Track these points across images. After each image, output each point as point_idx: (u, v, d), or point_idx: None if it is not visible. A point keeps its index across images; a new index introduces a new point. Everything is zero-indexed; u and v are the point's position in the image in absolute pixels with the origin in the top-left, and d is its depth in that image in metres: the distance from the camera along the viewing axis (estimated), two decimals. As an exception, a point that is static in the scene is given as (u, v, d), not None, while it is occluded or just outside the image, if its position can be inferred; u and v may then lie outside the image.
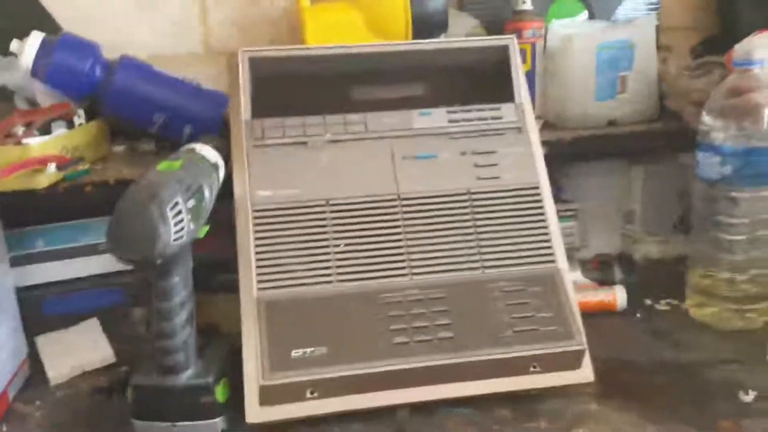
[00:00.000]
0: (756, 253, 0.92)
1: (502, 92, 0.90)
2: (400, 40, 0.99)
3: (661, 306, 1.02)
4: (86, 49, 1.00)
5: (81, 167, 0.93)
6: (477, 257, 0.82)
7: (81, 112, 0.99)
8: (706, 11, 1.28)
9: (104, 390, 0.86)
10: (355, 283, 0.79)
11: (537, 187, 0.86)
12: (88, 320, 0.96)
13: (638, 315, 1.00)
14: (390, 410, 0.77)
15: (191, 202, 0.71)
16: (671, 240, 1.18)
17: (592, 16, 1.15)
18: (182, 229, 0.69)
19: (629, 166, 1.20)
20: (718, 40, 1.25)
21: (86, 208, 0.94)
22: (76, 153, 0.94)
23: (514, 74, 0.90)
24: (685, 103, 1.08)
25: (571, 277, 0.85)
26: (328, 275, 0.79)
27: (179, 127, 1.03)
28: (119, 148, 1.08)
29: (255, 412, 0.75)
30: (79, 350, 0.92)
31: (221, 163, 0.82)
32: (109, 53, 1.02)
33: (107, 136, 1.06)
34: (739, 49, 0.91)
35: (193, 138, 1.00)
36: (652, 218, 1.18)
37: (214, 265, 0.90)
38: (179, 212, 0.69)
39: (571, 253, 0.98)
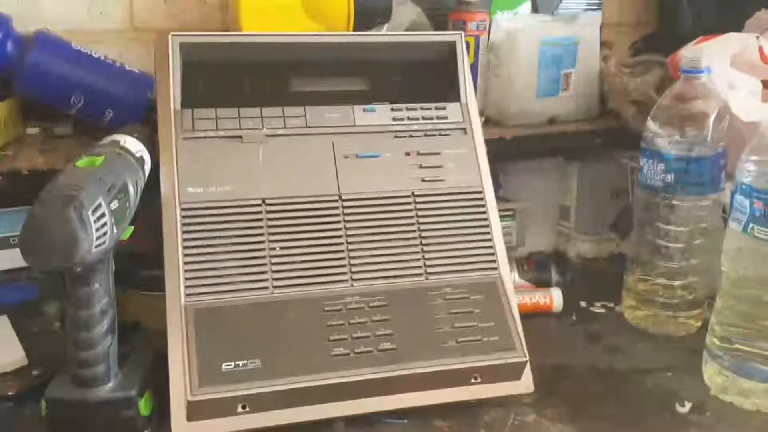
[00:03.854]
0: (693, 261, 0.92)
1: (448, 91, 0.87)
2: (341, 27, 0.94)
3: (596, 308, 1.02)
4: (-5, 21, 0.91)
5: (-9, 152, 0.85)
6: (421, 263, 0.79)
7: (-9, 90, 0.91)
8: (646, 7, 1.28)
9: (14, 398, 0.79)
10: (292, 290, 0.75)
11: (481, 191, 0.84)
12: (-3, 318, 0.90)
13: (574, 317, 1.00)
14: (325, 423, 0.74)
15: (115, 204, 0.66)
16: (605, 239, 1.18)
17: (535, 9, 1.12)
18: (105, 234, 0.64)
19: (565, 163, 1.19)
20: (657, 37, 1.25)
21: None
22: (-16, 136, 0.86)
23: (460, 72, 0.87)
24: (625, 102, 1.07)
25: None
26: (263, 281, 0.75)
27: (100, 110, 0.96)
28: (33, 131, 0.99)
29: (181, 427, 0.70)
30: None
31: (147, 157, 0.77)
32: (22, 27, 0.94)
33: (20, 117, 0.98)
34: (686, 56, 0.90)
35: (115, 122, 0.94)
36: (587, 216, 1.18)
37: (137, 259, 0.84)
38: (102, 215, 0.63)
39: (508, 253, 0.96)
